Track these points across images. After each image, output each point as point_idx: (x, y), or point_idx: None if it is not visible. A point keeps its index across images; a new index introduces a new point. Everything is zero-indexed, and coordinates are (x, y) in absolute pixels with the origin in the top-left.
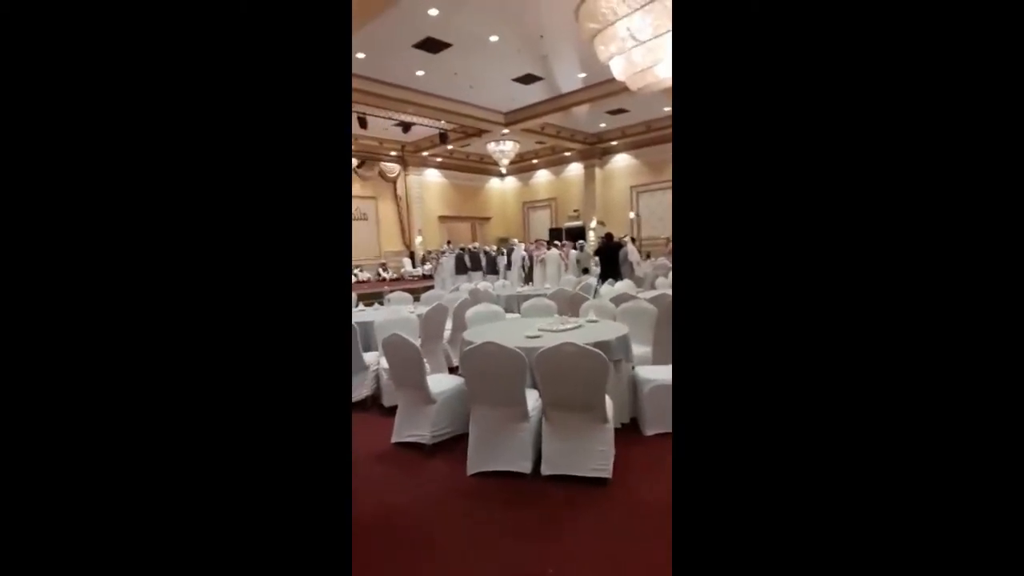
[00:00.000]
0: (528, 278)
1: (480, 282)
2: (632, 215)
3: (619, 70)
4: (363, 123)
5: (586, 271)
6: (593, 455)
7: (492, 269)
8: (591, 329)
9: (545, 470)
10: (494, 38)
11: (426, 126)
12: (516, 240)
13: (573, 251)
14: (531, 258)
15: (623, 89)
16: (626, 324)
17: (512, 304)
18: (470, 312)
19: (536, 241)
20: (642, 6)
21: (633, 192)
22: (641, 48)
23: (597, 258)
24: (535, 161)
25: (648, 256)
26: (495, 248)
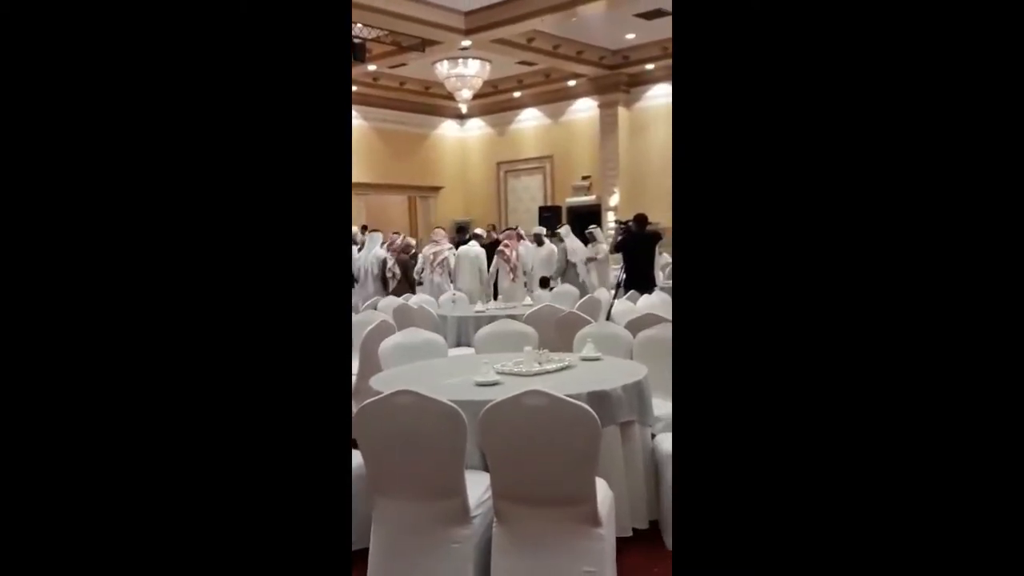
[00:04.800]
0: (403, 291)
1: (412, 297)
2: None
3: None
4: None
5: (545, 284)
6: None
7: None
8: (585, 371)
9: None
10: None
11: None
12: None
13: (543, 246)
14: (421, 260)
15: None
16: (646, 364)
17: (466, 330)
18: (389, 343)
19: (506, 231)
20: None
21: None
22: None
23: (619, 255)
24: (518, 95)
25: None
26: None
